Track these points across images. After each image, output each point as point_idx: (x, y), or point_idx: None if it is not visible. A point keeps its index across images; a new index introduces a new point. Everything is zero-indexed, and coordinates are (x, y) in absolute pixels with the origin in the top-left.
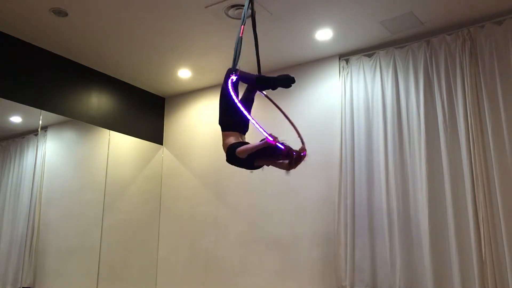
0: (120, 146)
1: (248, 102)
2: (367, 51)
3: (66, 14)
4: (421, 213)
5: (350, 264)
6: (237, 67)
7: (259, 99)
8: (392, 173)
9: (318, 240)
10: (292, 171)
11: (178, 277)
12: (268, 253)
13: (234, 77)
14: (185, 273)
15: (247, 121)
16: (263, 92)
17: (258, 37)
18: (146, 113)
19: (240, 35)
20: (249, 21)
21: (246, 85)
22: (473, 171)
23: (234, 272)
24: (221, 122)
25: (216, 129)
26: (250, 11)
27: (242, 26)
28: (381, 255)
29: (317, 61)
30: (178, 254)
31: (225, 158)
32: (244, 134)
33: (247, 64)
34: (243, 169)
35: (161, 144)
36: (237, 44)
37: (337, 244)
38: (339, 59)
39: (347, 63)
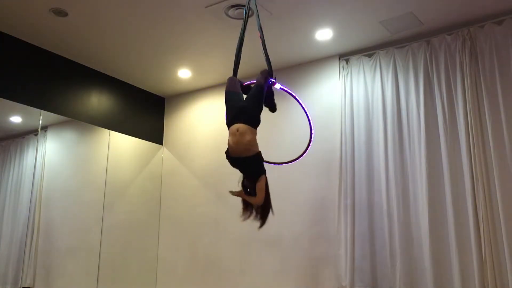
0: (120, 146)
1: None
2: (367, 51)
3: (66, 14)
4: (421, 213)
5: (350, 264)
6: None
7: None
8: (392, 173)
9: (318, 240)
10: (292, 171)
11: (178, 277)
12: (268, 253)
13: (275, 83)
14: (185, 273)
15: None
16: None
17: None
18: (146, 113)
19: (261, 42)
20: (251, 20)
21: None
22: (473, 171)
23: (234, 272)
24: (258, 120)
25: (216, 129)
26: (251, 12)
27: (259, 33)
28: (381, 255)
29: (317, 61)
30: (178, 254)
31: (225, 157)
32: None
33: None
34: None
35: (161, 144)
36: (264, 49)
37: (337, 244)
38: (339, 59)
39: (347, 63)
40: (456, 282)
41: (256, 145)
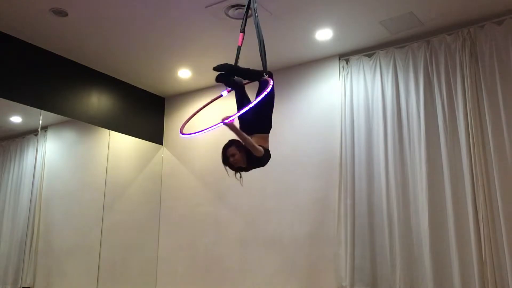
0: (120, 146)
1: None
2: (367, 51)
3: (66, 14)
4: (421, 213)
5: (350, 264)
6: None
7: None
8: (392, 173)
9: (318, 239)
10: (291, 170)
11: (178, 277)
12: (268, 253)
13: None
14: (185, 273)
15: None
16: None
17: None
18: (146, 113)
19: (239, 44)
20: (250, 21)
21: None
22: (473, 171)
23: (234, 272)
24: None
25: (216, 129)
26: (250, 12)
27: (242, 34)
28: (381, 255)
29: (317, 61)
30: (178, 254)
31: None
32: None
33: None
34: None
35: (161, 144)
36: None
37: (337, 244)
38: (339, 59)
39: (347, 63)
40: (456, 282)
41: (266, 146)
